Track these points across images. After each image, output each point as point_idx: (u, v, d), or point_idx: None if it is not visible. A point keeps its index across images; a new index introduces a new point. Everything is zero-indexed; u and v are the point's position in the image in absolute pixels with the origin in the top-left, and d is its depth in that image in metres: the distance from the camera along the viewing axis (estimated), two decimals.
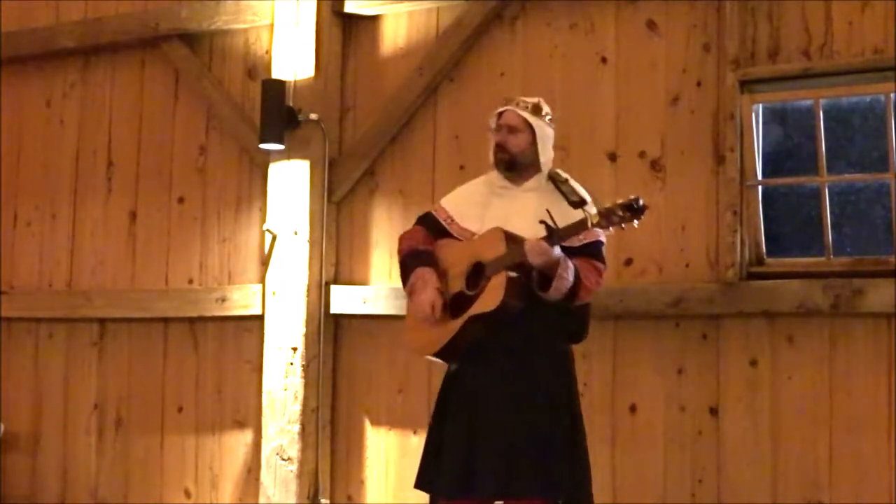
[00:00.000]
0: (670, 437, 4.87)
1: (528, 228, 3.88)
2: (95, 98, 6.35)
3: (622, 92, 5.07)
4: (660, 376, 4.89)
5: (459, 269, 4.02)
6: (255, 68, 5.86)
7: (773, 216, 4.83)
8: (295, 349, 5.47)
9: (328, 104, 5.60)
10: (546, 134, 4.07)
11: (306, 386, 5.44)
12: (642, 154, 5.01)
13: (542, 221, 3.79)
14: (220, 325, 5.86)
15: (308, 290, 5.48)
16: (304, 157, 5.55)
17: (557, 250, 3.81)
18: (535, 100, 4.10)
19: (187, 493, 5.89)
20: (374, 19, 5.65)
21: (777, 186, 4.86)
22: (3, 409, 6.37)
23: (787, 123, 4.89)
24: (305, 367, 5.45)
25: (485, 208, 4.11)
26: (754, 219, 4.78)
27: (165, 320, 6.00)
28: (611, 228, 3.77)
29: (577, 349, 4.13)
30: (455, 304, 4.00)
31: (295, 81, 5.57)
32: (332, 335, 5.59)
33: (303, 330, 5.47)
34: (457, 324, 3.95)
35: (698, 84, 4.92)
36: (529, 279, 3.84)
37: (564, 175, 4.09)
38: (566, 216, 3.85)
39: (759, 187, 4.79)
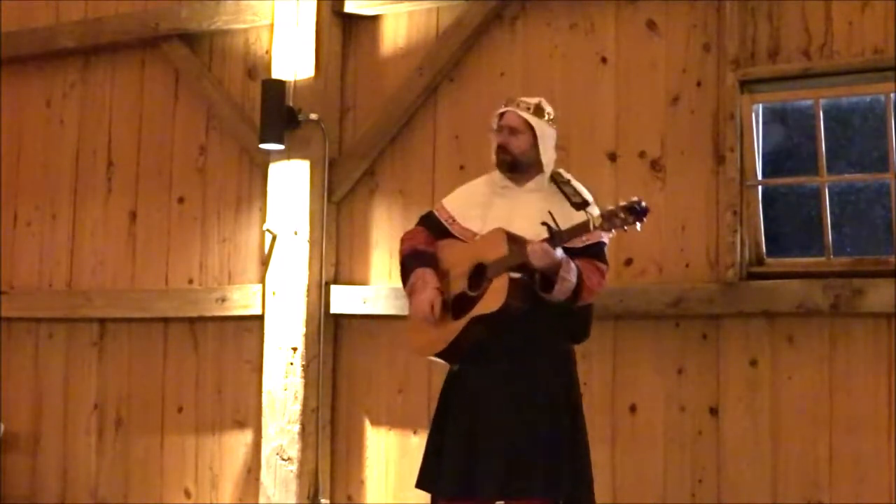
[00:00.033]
0: (670, 437, 4.87)
1: (531, 229, 3.88)
2: (95, 98, 6.35)
3: (622, 92, 5.07)
4: (660, 376, 4.89)
5: (461, 269, 4.02)
6: (255, 68, 5.86)
7: (773, 216, 4.83)
8: (295, 349, 5.47)
9: (328, 104, 5.60)
10: (547, 135, 4.06)
11: (306, 386, 5.44)
12: (642, 154, 5.01)
13: (544, 223, 3.79)
14: (220, 325, 5.86)
15: (308, 290, 5.48)
16: (304, 157, 5.55)
17: (560, 252, 3.81)
18: (536, 100, 4.09)
19: (187, 493, 5.89)
20: (374, 19, 5.65)
21: (777, 186, 4.86)
22: (3, 409, 6.37)
23: (787, 123, 4.89)
24: (305, 367, 5.45)
25: (487, 208, 4.10)
26: (754, 219, 4.78)
27: (165, 320, 6.00)
28: (613, 231, 3.78)
29: (576, 349, 4.12)
30: (457, 305, 4.00)
31: (295, 81, 5.57)
32: (332, 335, 5.59)
33: (303, 330, 5.47)
34: (459, 325, 3.95)
35: (698, 84, 4.92)
36: (532, 280, 3.84)
37: (567, 176, 4.09)
38: (568, 218, 3.85)
39: (759, 187, 4.79)
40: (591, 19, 5.15)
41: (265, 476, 5.49)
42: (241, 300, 5.70)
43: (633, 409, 4.95)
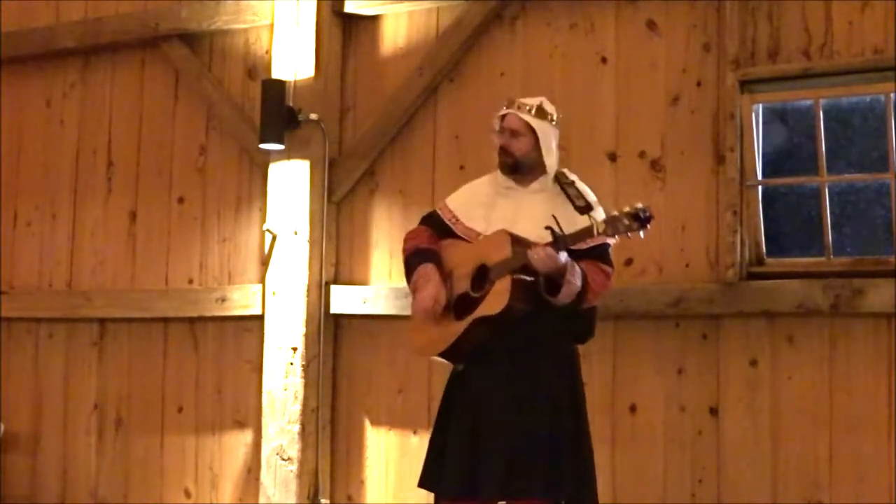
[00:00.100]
0: (670, 437, 4.87)
1: (534, 230, 3.88)
2: (95, 98, 6.35)
3: (622, 92, 5.07)
4: (660, 376, 4.89)
5: (464, 270, 4.02)
6: (255, 68, 5.86)
7: (773, 216, 4.82)
8: (295, 349, 5.47)
9: (328, 104, 5.60)
10: (549, 136, 4.06)
11: (306, 386, 5.44)
12: (642, 154, 5.01)
13: (548, 227, 3.79)
14: (220, 325, 5.86)
15: (308, 290, 5.48)
16: (304, 157, 5.55)
17: (564, 256, 3.81)
18: (537, 102, 4.08)
19: (187, 493, 5.89)
20: (374, 19, 5.65)
21: (777, 186, 4.86)
22: (3, 409, 6.37)
23: (787, 123, 4.89)
24: (305, 367, 5.45)
25: (490, 209, 4.10)
26: (754, 219, 4.78)
27: (165, 320, 6.00)
28: (616, 237, 3.78)
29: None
30: (460, 306, 4.00)
31: (295, 81, 5.57)
32: (332, 335, 5.59)
33: (303, 330, 5.47)
34: (461, 325, 3.96)
35: (698, 84, 4.92)
36: (535, 282, 3.84)
37: (571, 176, 4.08)
38: (572, 221, 3.86)
39: (759, 187, 4.79)
40: (591, 19, 5.15)
41: (265, 476, 5.49)
42: (241, 300, 5.70)
43: (633, 409, 4.95)
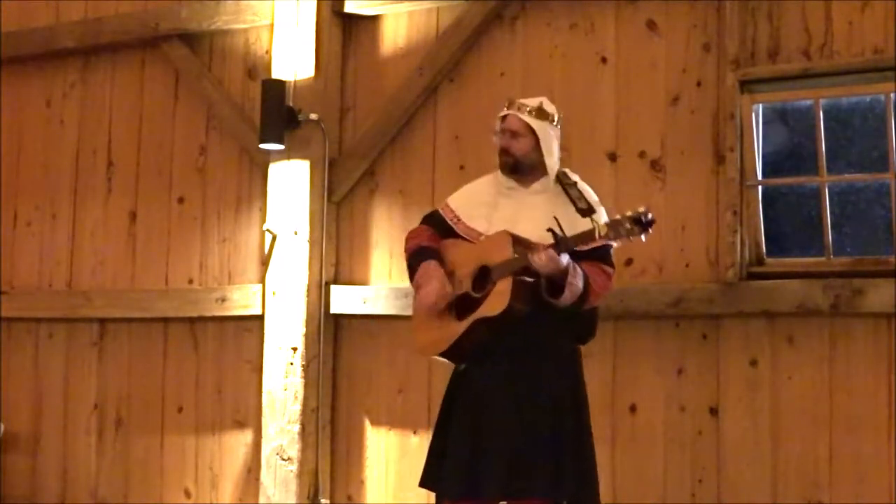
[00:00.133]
0: (670, 437, 4.87)
1: (535, 231, 3.88)
2: (95, 98, 6.35)
3: (622, 92, 5.07)
4: (660, 376, 4.90)
5: (466, 270, 4.02)
6: (255, 68, 5.86)
7: (773, 216, 4.83)
8: (295, 349, 5.47)
9: (328, 104, 5.60)
10: (549, 137, 4.06)
11: (306, 386, 5.44)
12: (642, 154, 5.01)
13: (549, 230, 3.79)
14: (220, 325, 5.86)
15: (308, 290, 5.48)
16: (304, 157, 5.55)
17: (566, 258, 3.81)
18: (537, 102, 4.08)
19: (187, 493, 5.89)
20: (374, 19, 5.65)
21: (777, 186, 4.86)
22: (3, 409, 6.37)
23: (787, 123, 4.89)
24: (305, 367, 5.45)
25: (492, 208, 4.11)
26: (754, 219, 4.78)
27: (165, 320, 6.00)
28: (618, 241, 3.78)
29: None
30: (461, 305, 4.00)
31: (295, 81, 5.57)
32: (332, 335, 5.59)
33: (303, 330, 5.47)
34: (462, 326, 3.96)
35: (698, 84, 4.92)
36: (537, 283, 3.84)
37: (573, 177, 4.08)
38: (574, 223, 3.86)
39: (759, 187, 4.79)
40: (591, 19, 5.15)
41: (265, 476, 5.49)
42: (241, 300, 5.70)
43: (633, 409, 4.95)
